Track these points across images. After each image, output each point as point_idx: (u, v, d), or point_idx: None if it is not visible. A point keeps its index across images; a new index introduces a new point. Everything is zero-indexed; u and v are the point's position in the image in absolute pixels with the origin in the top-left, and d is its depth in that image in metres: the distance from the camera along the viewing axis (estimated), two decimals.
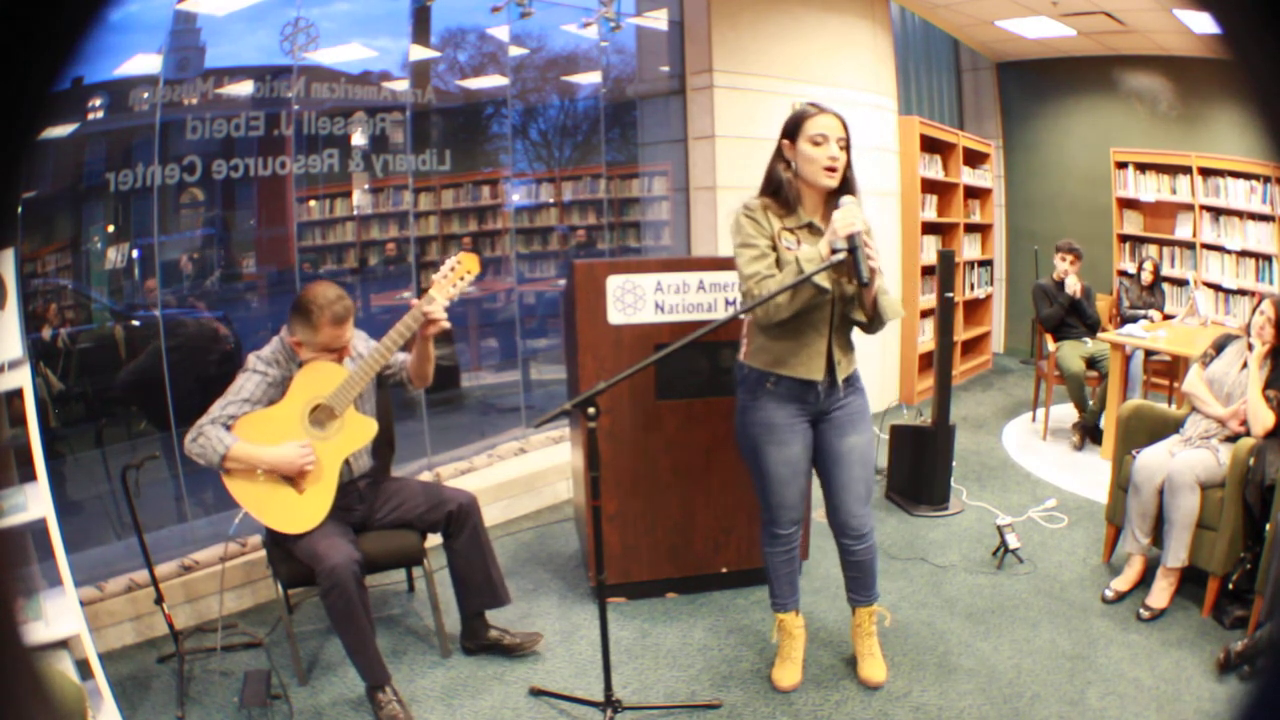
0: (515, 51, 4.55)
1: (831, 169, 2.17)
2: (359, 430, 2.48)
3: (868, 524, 2.41)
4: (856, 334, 2.35)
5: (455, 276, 2.47)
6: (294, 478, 2.39)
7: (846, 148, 2.20)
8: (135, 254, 3.20)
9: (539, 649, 2.72)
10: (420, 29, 4.07)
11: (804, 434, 2.33)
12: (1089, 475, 4.32)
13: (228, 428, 2.37)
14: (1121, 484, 3.15)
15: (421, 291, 2.46)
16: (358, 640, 2.35)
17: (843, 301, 2.22)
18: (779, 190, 2.24)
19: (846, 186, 2.21)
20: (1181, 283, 6.12)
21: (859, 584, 2.50)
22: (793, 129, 2.22)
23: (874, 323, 2.24)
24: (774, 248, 2.20)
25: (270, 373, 2.44)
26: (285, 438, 2.39)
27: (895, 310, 2.23)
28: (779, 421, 2.29)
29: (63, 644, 2.16)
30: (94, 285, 3.24)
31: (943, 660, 2.64)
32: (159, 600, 2.58)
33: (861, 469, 2.36)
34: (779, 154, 2.26)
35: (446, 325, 2.45)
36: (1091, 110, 6.83)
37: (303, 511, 2.40)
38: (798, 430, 2.31)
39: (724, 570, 3.09)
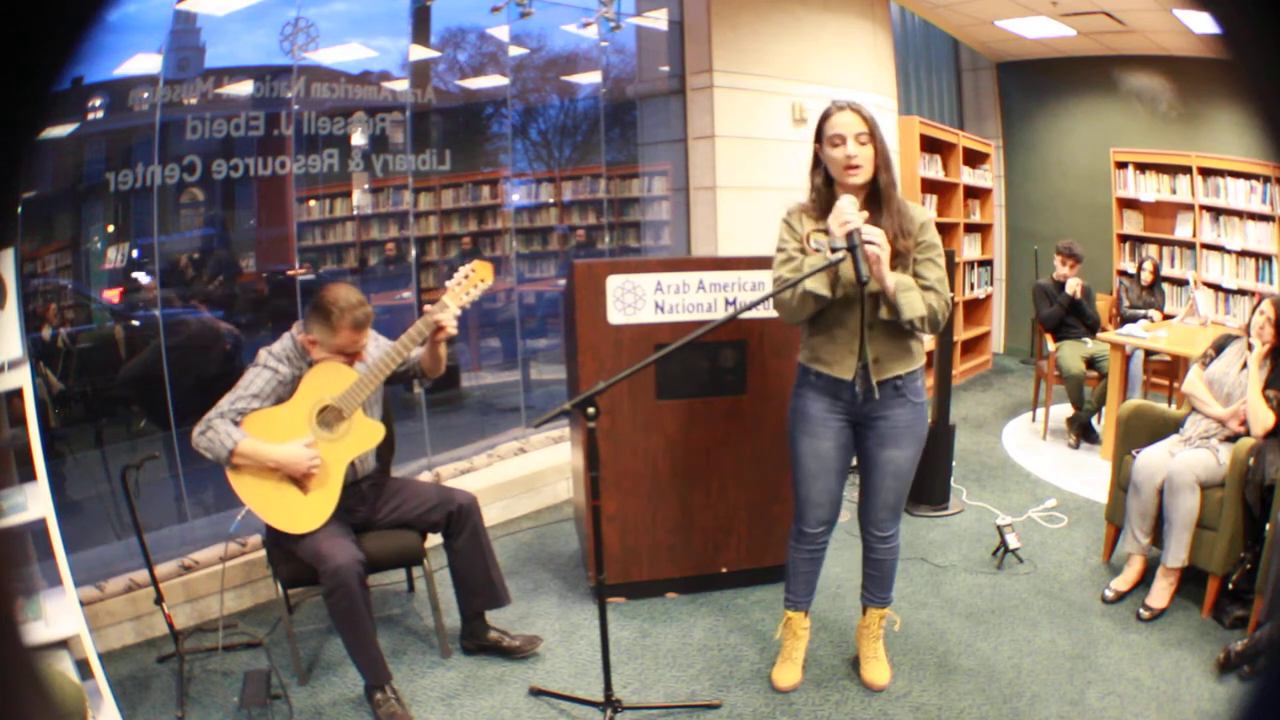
0: (515, 51, 4.55)
1: (851, 168, 2.16)
2: (366, 434, 2.49)
3: (889, 528, 2.44)
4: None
5: (469, 285, 2.49)
6: (299, 479, 2.40)
7: (871, 139, 2.16)
8: (135, 254, 3.20)
9: (539, 651, 2.72)
10: (420, 29, 4.07)
11: (839, 432, 2.33)
12: (1089, 475, 4.32)
13: (236, 423, 2.37)
14: (1121, 484, 3.15)
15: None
16: (359, 640, 2.35)
17: (874, 299, 2.18)
18: (816, 194, 2.27)
19: (877, 180, 2.19)
20: (1181, 283, 6.11)
21: (876, 583, 2.52)
22: (818, 132, 2.22)
23: (899, 316, 2.12)
24: (803, 250, 2.23)
25: (281, 370, 2.44)
26: (292, 437, 2.38)
27: (914, 308, 2.10)
28: (813, 414, 2.31)
29: (63, 644, 2.16)
30: (94, 285, 3.24)
31: (943, 660, 2.64)
32: (159, 600, 2.58)
33: (894, 480, 2.37)
34: (815, 158, 2.26)
35: (454, 332, 2.48)
36: (1091, 110, 6.83)
37: (307, 512, 2.40)
38: (831, 426, 2.31)
39: (724, 570, 3.09)
